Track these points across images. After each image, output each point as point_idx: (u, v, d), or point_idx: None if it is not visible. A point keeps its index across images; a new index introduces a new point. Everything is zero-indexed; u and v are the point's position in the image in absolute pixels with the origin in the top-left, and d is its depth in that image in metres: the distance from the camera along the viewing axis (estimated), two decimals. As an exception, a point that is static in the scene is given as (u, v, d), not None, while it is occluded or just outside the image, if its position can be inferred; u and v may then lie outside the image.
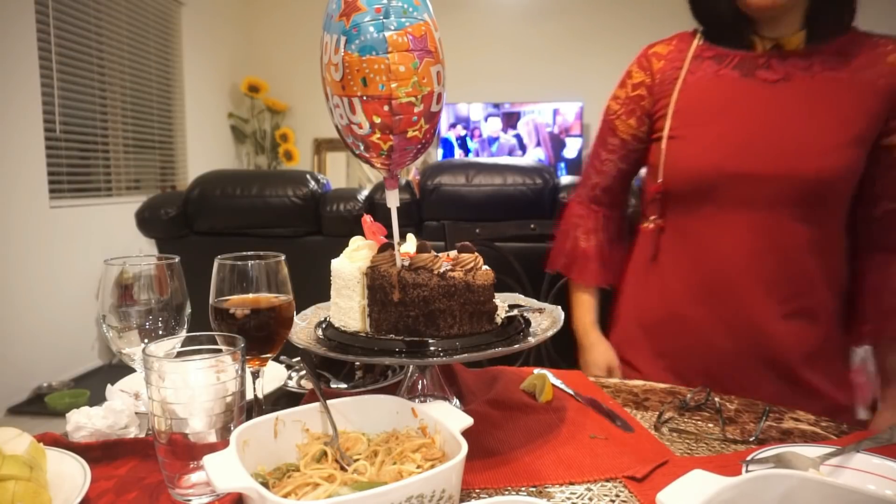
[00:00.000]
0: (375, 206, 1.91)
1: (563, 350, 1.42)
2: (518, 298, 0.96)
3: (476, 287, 0.75)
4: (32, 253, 3.03)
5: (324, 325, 0.84)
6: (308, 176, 1.98)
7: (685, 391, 0.97)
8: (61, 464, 0.66)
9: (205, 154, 4.48)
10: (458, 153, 5.17)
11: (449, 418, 0.64)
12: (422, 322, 0.74)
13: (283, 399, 0.95)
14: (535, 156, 5.05)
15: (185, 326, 0.78)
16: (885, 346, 1.13)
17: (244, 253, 0.76)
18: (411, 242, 0.81)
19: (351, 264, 0.79)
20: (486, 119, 5.10)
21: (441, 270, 0.74)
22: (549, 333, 0.78)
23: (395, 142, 0.72)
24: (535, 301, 0.94)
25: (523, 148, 5.10)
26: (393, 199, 0.79)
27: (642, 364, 1.19)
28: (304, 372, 1.03)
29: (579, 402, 0.92)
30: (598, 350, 1.24)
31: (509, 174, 1.86)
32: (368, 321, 0.78)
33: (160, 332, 0.75)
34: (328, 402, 0.68)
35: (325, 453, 0.63)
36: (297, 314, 0.81)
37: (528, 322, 0.83)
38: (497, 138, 5.11)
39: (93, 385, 3.12)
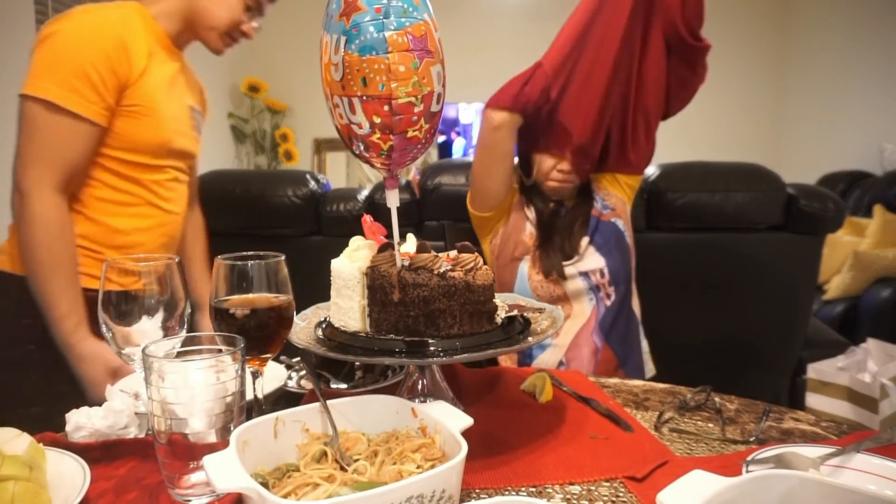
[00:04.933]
0: (375, 206, 1.91)
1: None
2: (518, 298, 0.96)
3: (476, 287, 0.75)
4: (33, 253, 3.02)
5: (324, 325, 0.83)
6: (308, 176, 1.97)
7: (685, 391, 0.97)
8: (61, 464, 0.66)
9: (205, 154, 4.44)
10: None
11: (449, 418, 0.64)
12: (422, 322, 0.74)
13: (283, 399, 0.95)
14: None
15: (185, 326, 0.78)
16: None
17: (244, 253, 0.76)
18: (411, 242, 0.81)
19: (351, 264, 0.79)
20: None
21: (441, 270, 0.74)
22: (549, 333, 0.78)
23: (395, 142, 0.72)
24: (535, 301, 0.94)
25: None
26: (393, 199, 0.79)
27: None
28: (304, 372, 1.03)
29: (579, 402, 0.91)
30: None
31: (509, 174, 1.86)
32: (368, 321, 0.78)
33: (160, 332, 0.75)
34: (328, 402, 0.68)
35: (325, 453, 0.63)
36: (297, 314, 0.81)
37: (527, 322, 0.83)
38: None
39: (93, 385, 3.11)
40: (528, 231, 1.48)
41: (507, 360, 1.43)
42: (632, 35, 1.41)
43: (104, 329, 0.74)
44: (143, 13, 1.26)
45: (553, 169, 1.46)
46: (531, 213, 1.50)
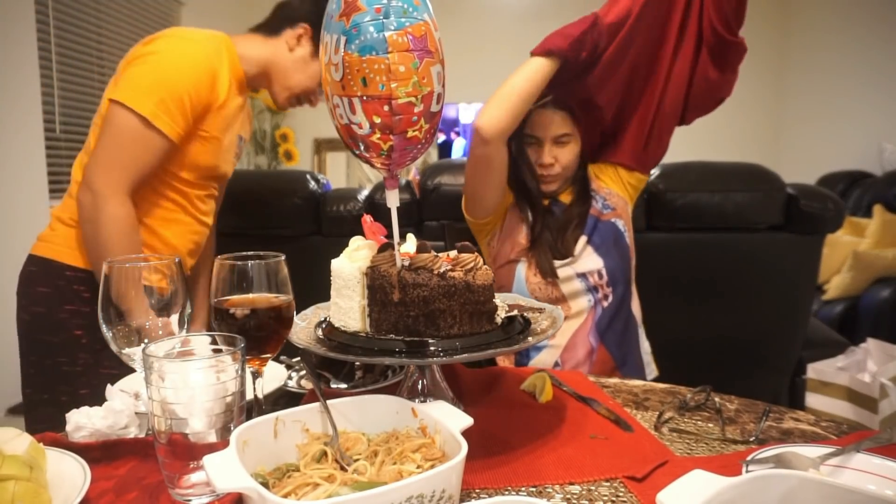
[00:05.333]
0: (375, 206, 1.91)
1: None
2: (518, 298, 0.96)
3: (476, 287, 0.75)
4: (32, 253, 3.02)
5: (324, 325, 0.83)
6: (308, 176, 1.97)
7: (685, 391, 0.97)
8: (61, 464, 0.66)
9: (205, 154, 4.46)
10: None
11: (449, 418, 0.64)
12: (422, 322, 0.74)
13: (283, 399, 0.95)
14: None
15: (186, 326, 0.78)
16: None
17: (244, 253, 0.76)
18: (411, 242, 0.81)
19: (351, 264, 0.79)
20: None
21: (441, 270, 0.74)
22: (550, 333, 0.78)
23: (395, 142, 0.72)
24: (534, 301, 0.94)
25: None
26: (393, 199, 0.79)
27: None
28: (304, 372, 1.03)
29: (579, 402, 0.92)
30: None
31: (509, 174, 1.86)
32: (368, 321, 0.78)
33: (160, 332, 0.75)
34: (328, 402, 0.68)
35: (325, 453, 0.63)
36: (297, 314, 0.81)
37: (527, 322, 0.83)
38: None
39: (93, 385, 3.11)
40: (524, 232, 1.47)
41: (504, 361, 1.43)
42: (673, 23, 1.40)
43: (104, 328, 0.74)
44: (231, 49, 1.35)
45: (535, 164, 1.45)
46: (526, 213, 1.49)
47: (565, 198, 1.51)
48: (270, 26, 1.44)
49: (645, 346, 1.51)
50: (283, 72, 1.40)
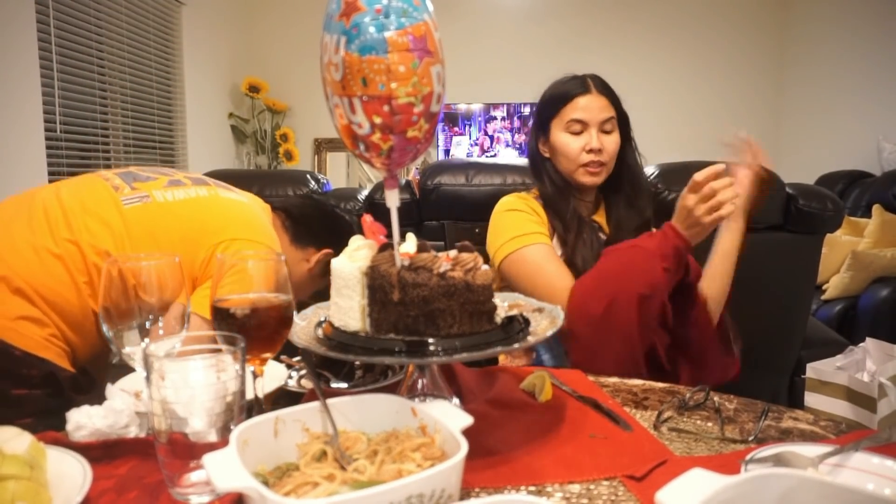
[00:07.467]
0: (375, 206, 1.91)
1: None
2: (518, 298, 0.96)
3: (476, 287, 0.75)
4: (32, 253, 3.02)
5: (324, 325, 0.84)
6: (308, 176, 1.98)
7: (684, 390, 0.97)
8: (61, 463, 0.66)
9: (205, 154, 4.47)
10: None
11: (449, 417, 0.64)
12: (422, 322, 0.74)
13: (283, 399, 0.95)
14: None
15: (186, 326, 0.78)
16: None
17: (244, 252, 0.76)
18: (411, 242, 0.81)
19: (351, 264, 0.79)
20: (486, 119, 5.11)
21: (441, 270, 0.74)
22: (549, 333, 0.78)
23: (395, 142, 0.72)
24: (534, 301, 0.94)
25: (521, 148, 5.10)
26: (393, 199, 0.79)
27: None
28: (304, 372, 1.03)
29: (579, 402, 0.92)
30: None
31: (509, 174, 1.86)
32: (368, 321, 0.78)
33: (160, 332, 0.75)
34: (328, 401, 0.68)
35: (325, 452, 0.63)
36: (297, 314, 0.81)
37: (527, 321, 0.83)
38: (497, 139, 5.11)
39: (93, 385, 3.11)
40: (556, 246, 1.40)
41: (514, 362, 1.39)
42: None
43: (104, 328, 0.74)
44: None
45: (582, 150, 1.34)
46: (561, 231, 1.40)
47: (599, 218, 1.47)
48: (299, 234, 1.42)
49: None
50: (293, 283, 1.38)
